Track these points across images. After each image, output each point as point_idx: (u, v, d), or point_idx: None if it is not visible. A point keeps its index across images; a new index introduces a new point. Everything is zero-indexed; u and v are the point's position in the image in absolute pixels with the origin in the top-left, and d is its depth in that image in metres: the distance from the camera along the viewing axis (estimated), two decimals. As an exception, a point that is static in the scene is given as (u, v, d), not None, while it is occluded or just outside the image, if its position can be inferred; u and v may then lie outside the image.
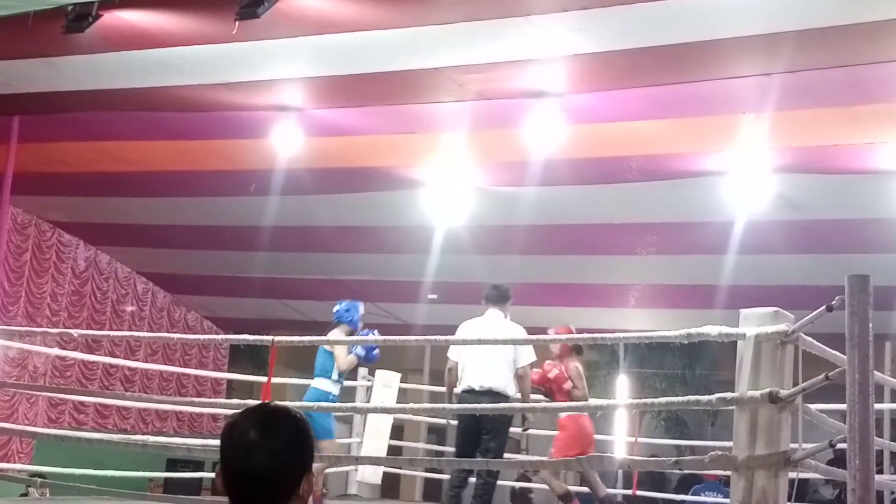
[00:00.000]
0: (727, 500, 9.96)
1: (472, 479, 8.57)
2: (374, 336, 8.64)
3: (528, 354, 8.37)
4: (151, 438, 9.75)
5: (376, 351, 9.10)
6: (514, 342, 8.43)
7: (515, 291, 13.73)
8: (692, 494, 13.22)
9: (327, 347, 9.08)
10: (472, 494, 8.46)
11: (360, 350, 8.93)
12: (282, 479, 2.31)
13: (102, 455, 10.66)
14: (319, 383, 9.04)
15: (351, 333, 9.03)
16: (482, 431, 8.19)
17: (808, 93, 8.96)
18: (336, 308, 9.16)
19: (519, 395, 8.38)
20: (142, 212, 14.17)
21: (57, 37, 8.57)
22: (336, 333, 9.07)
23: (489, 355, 8.22)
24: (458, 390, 8.32)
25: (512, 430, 9.02)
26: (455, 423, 8.69)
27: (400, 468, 13.99)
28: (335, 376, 9.03)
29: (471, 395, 8.19)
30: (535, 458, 8.43)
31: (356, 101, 10.20)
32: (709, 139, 10.26)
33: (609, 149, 10.63)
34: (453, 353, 8.45)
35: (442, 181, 11.85)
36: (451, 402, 8.36)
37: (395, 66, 9.17)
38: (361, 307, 9.17)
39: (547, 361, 9.36)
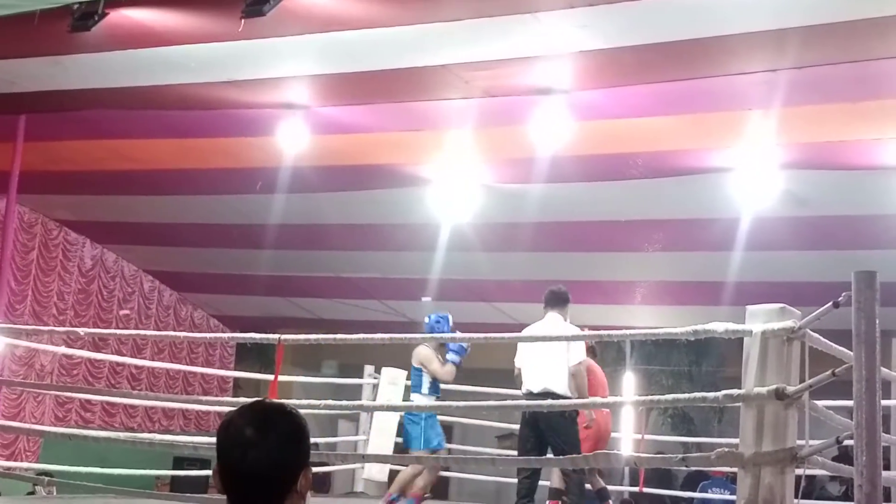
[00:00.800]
0: (734, 497, 9.96)
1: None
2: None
3: (579, 352, 8.38)
4: (158, 437, 9.75)
5: (467, 348, 9.13)
6: (518, 339, 8.43)
7: (520, 288, 13.74)
8: (699, 491, 13.18)
9: (415, 363, 9.12)
10: (567, 492, 8.56)
11: (454, 357, 9.01)
12: (279, 476, 2.30)
13: (109, 453, 10.67)
14: (413, 398, 9.18)
15: (442, 347, 9.03)
16: (544, 434, 8.19)
17: (816, 88, 8.94)
18: (426, 321, 9.22)
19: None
20: (148, 210, 14.19)
21: (63, 35, 8.58)
22: (423, 348, 9.08)
23: (546, 357, 8.26)
24: (522, 392, 8.38)
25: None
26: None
27: (406, 466, 13.97)
28: (425, 390, 9.17)
29: (530, 397, 8.24)
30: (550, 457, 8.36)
31: (362, 98, 10.20)
32: (715, 135, 10.25)
33: (615, 145, 10.62)
34: (517, 360, 8.54)
35: (448, 178, 11.85)
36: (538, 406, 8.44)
37: (401, 64, 9.17)
38: (451, 319, 9.19)
39: None
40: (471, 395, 12.09)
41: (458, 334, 8.97)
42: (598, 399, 8.26)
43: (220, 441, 2.33)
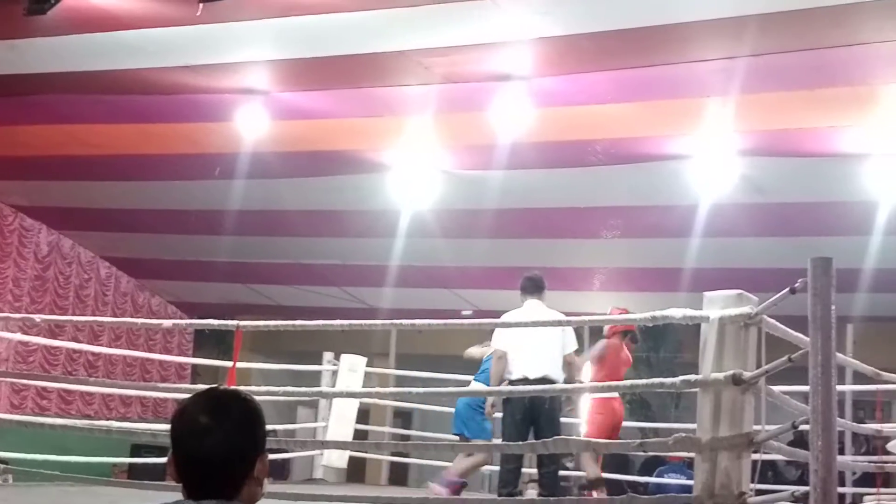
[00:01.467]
0: (691, 482, 10.03)
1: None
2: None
3: (573, 341, 8.38)
4: (115, 424, 9.69)
5: None
6: (491, 323, 8.42)
7: (480, 275, 13.77)
8: (656, 476, 13.27)
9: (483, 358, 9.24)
10: (540, 483, 8.47)
11: None
12: (235, 462, 2.28)
13: (66, 441, 10.58)
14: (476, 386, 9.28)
15: None
16: (540, 422, 8.15)
17: (773, 76, 9.00)
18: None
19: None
20: (106, 196, 14.07)
21: (19, 19, 8.47)
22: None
23: (541, 343, 8.20)
24: (512, 378, 8.26)
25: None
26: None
27: (366, 452, 13.99)
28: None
29: (525, 383, 8.17)
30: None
31: (322, 84, 10.16)
32: (674, 122, 10.29)
33: (575, 132, 10.65)
34: (501, 344, 8.40)
35: (408, 165, 11.84)
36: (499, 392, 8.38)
37: (361, 49, 9.14)
38: None
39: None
40: (430, 381, 12.11)
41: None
42: (562, 385, 8.24)
43: (174, 429, 2.31)
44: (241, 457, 2.29)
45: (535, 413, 8.11)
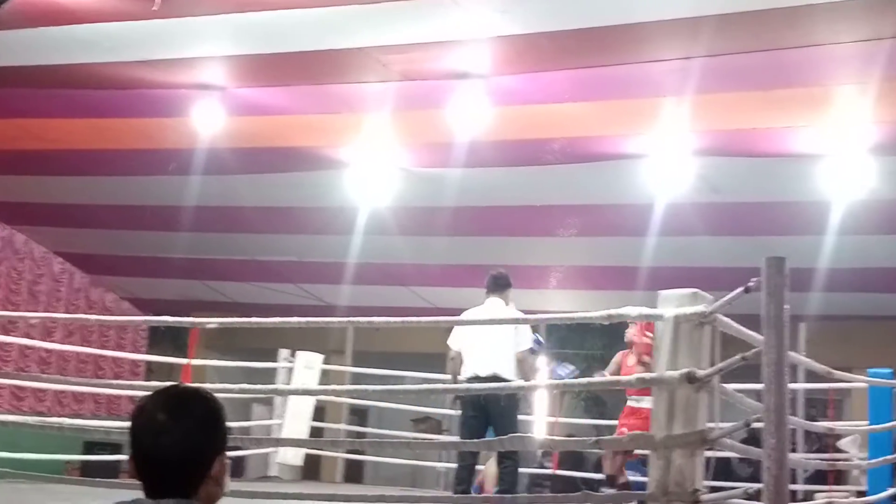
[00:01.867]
0: (645, 479, 10.09)
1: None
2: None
3: (526, 339, 8.34)
4: (68, 421, 9.59)
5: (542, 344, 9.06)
6: (457, 322, 8.40)
7: (438, 273, 13.76)
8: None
9: None
10: (499, 479, 8.48)
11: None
12: (193, 461, 2.25)
13: (18, 437, 10.47)
14: None
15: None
16: (492, 418, 8.14)
17: (729, 76, 9.07)
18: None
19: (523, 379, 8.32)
20: (59, 191, 13.93)
21: (-29, 11, 8.38)
22: None
23: (492, 341, 8.20)
24: (462, 377, 8.28)
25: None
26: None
27: (321, 450, 13.96)
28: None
29: (476, 381, 8.15)
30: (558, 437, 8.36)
31: (279, 80, 10.13)
32: (630, 122, 10.35)
33: (532, 131, 10.68)
34: (454, 343, 8.46)
35: (366, 162, 11.82)
36: (455, 390, 8.40)
37: (318, 46, 9.12)
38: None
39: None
40: (386, 378, 12.11)
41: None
42: (519, 382, 8.25)
43: (132, 427, 2.28)
44: (198, 456, 2.26)
45: (489, 411, 8.12)
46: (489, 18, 8.39)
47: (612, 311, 6.15)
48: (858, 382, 9.51)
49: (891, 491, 8.95)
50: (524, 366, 8.32)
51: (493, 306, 8.45)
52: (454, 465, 15.20)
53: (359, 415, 19.60)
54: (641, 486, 11.81)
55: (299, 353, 12.19)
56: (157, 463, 2.25)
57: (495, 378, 8.06)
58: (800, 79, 9.09)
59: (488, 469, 9.19)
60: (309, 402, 12.19)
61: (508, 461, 8.39)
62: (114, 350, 17.11)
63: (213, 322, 8.63)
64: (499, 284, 8.58)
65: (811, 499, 10.24)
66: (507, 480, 8.35)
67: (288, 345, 12.79)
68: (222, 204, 13.59)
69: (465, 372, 8.29)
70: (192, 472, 2.25)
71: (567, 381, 9.06)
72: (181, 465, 2.24)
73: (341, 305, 15.60)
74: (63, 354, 16.62)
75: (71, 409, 16.70)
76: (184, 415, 2.27)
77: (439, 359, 17.80)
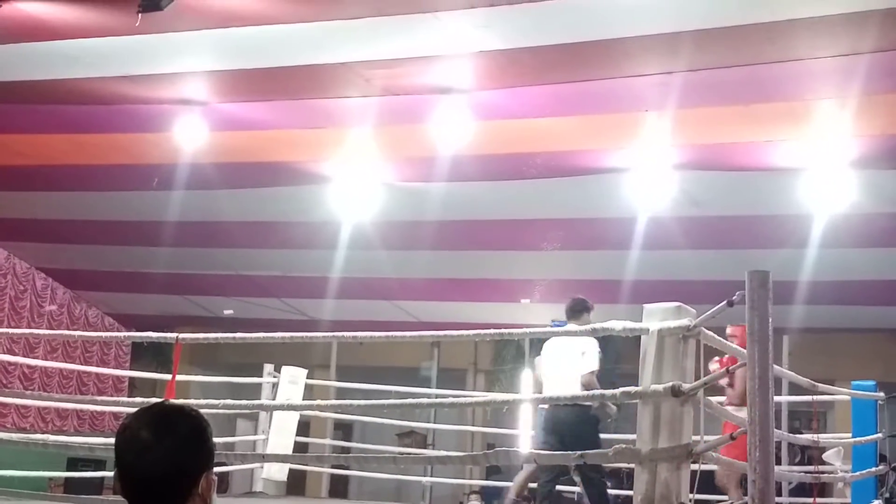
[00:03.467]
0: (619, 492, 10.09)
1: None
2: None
3: (591, 363, 8.28)
4: (52, 437, 9.56)
5: None
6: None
7: (421, 287, 13.73)
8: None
9: None
10: (533, 497, 8.58)
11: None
12: (178, 479, 2.24)
13: (1, 454, 10.42)
14: None
15: None
16: (567, 443, 8.03)
17: (709, 91, 9.11)
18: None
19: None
20: (42, 206, 13.89)
21: (-47, 27, 8.36)
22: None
23: (564, 370, 8.25)
24: (542, 407, 8.36)
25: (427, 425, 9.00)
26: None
27: (306, 465, 13.93)
28: None
29: (553, 409, 8.19)
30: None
31: (262, 95, 10.12)
32: (612, 136, 10.38)
33: (514, 145, 10.70)
34: (537, 373, 8.61)
35: (349, 176, 11.81)
36: (537, 418, 8.52)
37: (301, 61, 9.12)
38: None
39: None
40: (371, 393, 12.09)
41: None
42: (500, 396, 8.27)
43: (117, 444, 2.27)
44: (182, 474, 2.25)
45: (564, 438, 8.09)
46: (471, 33, 8.42)
47: (597, 325, 6.18)
48: (842, 395, 9.54)
49: (874, 503, 8.99)
50: (589, 389, 8.23)
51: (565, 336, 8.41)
52: (438, 480, 15.24)
53: (343, 429, 19.57)
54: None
55: (284, 368, 12.15)
56: (142, 480, 2.24)
57: (569, 405, 8.05)
58: (780, 93, 9.14)
59: (518, 477, 9.18)
60: (293, 417, 12.15)
61: (544, 480, 8.39)
62: (97, 366, 17.08)
63: (196, 337, 8.62)
64: (574, 311, 8.54)
65: (795, 511, 10.25)
66: (541, 498, 8.37)
67: (272, 359, 12.75)
68: (205, 219, 13.57)
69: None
70: (177, 489, 2.24)
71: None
72: (166, 482, 2.23)
73: (325, 320, 15.60)
74: (46, 370, 16.58)
75: (54, 426, 16.64)
76: (168, 432, 2.26)
77: (424, 372, 17.87)
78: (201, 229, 13.89)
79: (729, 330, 8.66)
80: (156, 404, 2.37)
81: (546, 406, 8.36)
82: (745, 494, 8.90)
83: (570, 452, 7.32)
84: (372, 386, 12.21)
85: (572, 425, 8.13)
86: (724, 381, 8.80)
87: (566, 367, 8.26)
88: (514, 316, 14.62)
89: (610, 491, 12.37)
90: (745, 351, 4.87)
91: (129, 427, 2.28)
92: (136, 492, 2.25)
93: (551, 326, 8.99)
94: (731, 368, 5.67)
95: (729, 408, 8.61)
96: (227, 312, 15.16)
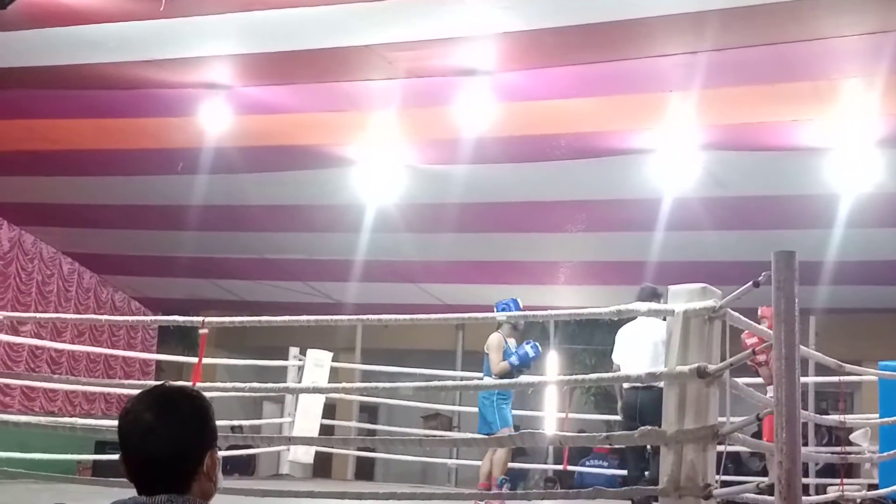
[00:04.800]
0: (609, 472, 10.01)
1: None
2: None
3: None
4: (80, 421, 9.63)
5: (532, 358, 9.18)
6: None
7: (446, 270, 13.72)
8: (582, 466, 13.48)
9: (485, 348, 9.23)
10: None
11: (513, 359, 9.06)
12: (182, 458, 2.28)
13: (29, 438, 10.51)
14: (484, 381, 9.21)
15: (513, 330, 9.10)
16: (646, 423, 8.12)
17: (734, 71, 9.06)
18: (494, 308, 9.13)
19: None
20: (67, 191, 13.96)
21: (-22, 14, 8.39)
22: (497, 336, 9.14)
23: (641, 352, 8.21)
24: (625, 386, 8.37)
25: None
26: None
27: (332, 448, 13.98)
28: (491, 375, 9.17)
29: (632, 390, 8.21)
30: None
31: (286, 78, 10.13)
32: (637, 117, 10.34)
33: (538, 127, 10.68)
34: (616, 357, 8.55)
35: (373, 159, 11.82)
36: (619, 399, 8.52)
37: (324, 44, 9.12)
38: (520, 304, 9.15)
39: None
40: (396, 375, 12.12)
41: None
42: (526, 378, 8.28)
43: (120, 428, 2.31)
44: (187, 454, 2.29)
45: (642, 413, 8.09)
46: (494, 15, 8.40)
47: (622, 307, 6.18)
48: (869, 375, 9.50)
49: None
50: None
51: (645, 321, 8.40)
52: (464, 462, 15.27)
53: (369, 412, 19.64)
54: (606, 478, 11.91)
55: (309, 351, 12.20)
56: (146, 462, 2.28)
57: (649, 387, 8.04)
58: (806, 72, 9.08)
59: (495, 456, 9.19)
60: (319, 400, 12.21)
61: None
62: (124, 350, 17.16)
63: (222, 321, 8.66)
64: (642, 299, 8.53)
65: (823, 492, 10.22)
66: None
67: (297, 343, 12.82)
68: (230, 203, 13.62)
69: (627, 383, 8.33)
70: (182, 468, 2.28)
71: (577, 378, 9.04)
72: (171, 462, 2.27)
73: (350, 303, 15.62)
74: (73, 354, 16.67)
75: (82, 409, 16.76)
76: (170, 413, 2.30)
77: (448, 355, 17.88)
78: (226, 213, 13.94)
79: (760, 311, 8.64)
80: (157, 387, 2.41)
81: (626, 390, 8.33)
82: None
83: (596, 434, 7.34)
84: (397, 368, 12.23)
85: (654, 407, 8.12)
86: (760, 359, 8.77)
87: (648, 350, 8.20)
88: (541, 298, 14.61)
89: (604, 471, 12.51)
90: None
91: (132, 410, 2.32)
92: (142, 474, 2.29)
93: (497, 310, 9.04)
94: (757, 349, 5.64)
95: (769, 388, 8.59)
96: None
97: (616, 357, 8.56)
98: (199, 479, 2.29)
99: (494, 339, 9.21)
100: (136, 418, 2.29)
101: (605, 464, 13.12)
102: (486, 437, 8.64)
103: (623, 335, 8.56)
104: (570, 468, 12.36)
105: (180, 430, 2.28)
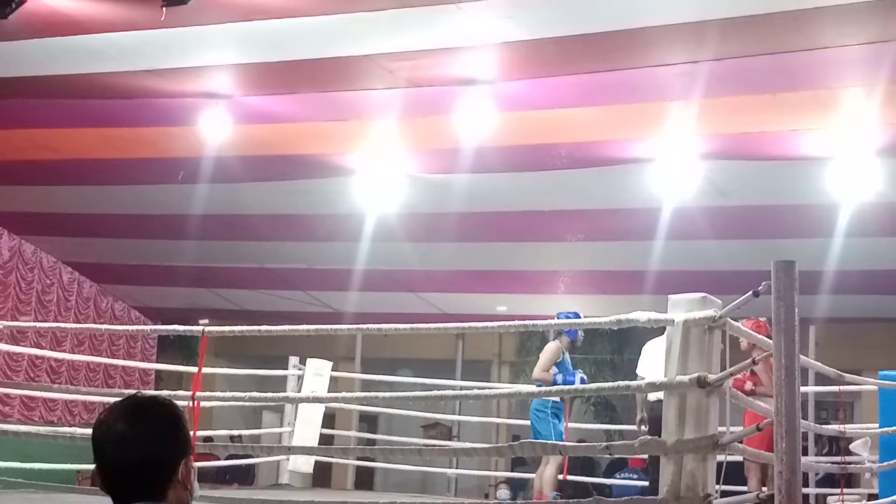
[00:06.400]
0: (644, 483, 10.02)
1: None
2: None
3: None
4: (79, 430, 9.59)
5: (575, 381, 9.12)
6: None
7: (446, 279, 13.74)
8: (614, 478, 13.44)
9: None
10: None
11: (559, 378, 9.06)
12: (156, 467, 2.29)
13: (29, 447, 10.50)
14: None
15: (571, 345, 9.03)
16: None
17: (735, 80, 9.06)
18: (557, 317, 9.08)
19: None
20: (67, 200, 13.96)
21: (-21, 23, 8.40)
22: (556, 345, 9.03)
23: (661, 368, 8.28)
24: (651, 398, 8.38)
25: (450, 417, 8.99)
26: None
27: (332, 457, 13.96)
28: (535, 383, 9.17)
29: (660, 403, 8.23)
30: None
31: (286, 88, 10.14)
32: (637, 126, 10.34)
33: (539, 136, 10.68)
34: (641, 370, 8.59)
35: (373, 168, 11.82)
36: (640, 412, 8.56)
37: (325, 53, 9.13)
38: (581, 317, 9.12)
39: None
40: (396, 385, 12.12)
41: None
42: (525, 387, 8.27)
43: (94, 438, 2.32)
44: (161, 462, 2.29)
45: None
46: (494, 24, 8.40)
47: (622, 317, 6.16)
48: (869, 385, 9.48)
49: (902, 493, 8.92)
50: None
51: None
52: (464, 471, 15.23)
53: (368, 421, 19.61)
54: (638, 491, 11.88)
55: (309, 361, 12.19)
56: (120, 470, 2.28)
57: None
58: (806, 82, 9.08)
59: (545, 473, 9.14)
60: (319, 410, 12.19)
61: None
62: (123, 359, 17.16)
63: (222, 330, 8.65)
64: None
65: (823, 502, 10.21)
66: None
67: (297, 352, 12.80)
68: (230, 212, 13.61)
69: (653, 396, 8.33)
70: (156, 477, 2.28)
71: (578, 386, 9.03)
72: (144, 470, 2.28)
73: (350, 312, 15.63)
74: (73, 364, 16.67)
75: (81, 419, 16.73)
76: (143, 421, 2.30)
77: (448, 364, 17.88)
78: (226, 222, 13.94)
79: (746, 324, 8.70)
80: (130, 396, 2.42)
81: (653, 402, 8.33)
82: (765, 486, 8.91)
83: (595, 444, 7.33)
84: (397, 378, 12.24)
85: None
86: (747, 387, 8.76)
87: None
88: (541, 307, 14.60)
89: (636, 482, 12.48)
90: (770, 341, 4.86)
91: (106, 420, 2.32)
92: (117, 482, 2.29)
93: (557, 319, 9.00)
94: (756, 358, 5.64)
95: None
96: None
97: (640, 370, 8.56)
98: (174, 488, 2.30)
99: (552, 347, 9.13)
100: (109, 427, 2.30)
101: (636, 476, 13.06)
102: (486, 447, 8.63)
103: (648, 349, 8.58)
104: (605, 481, 12.33)
105: (153, 438, 2.29)
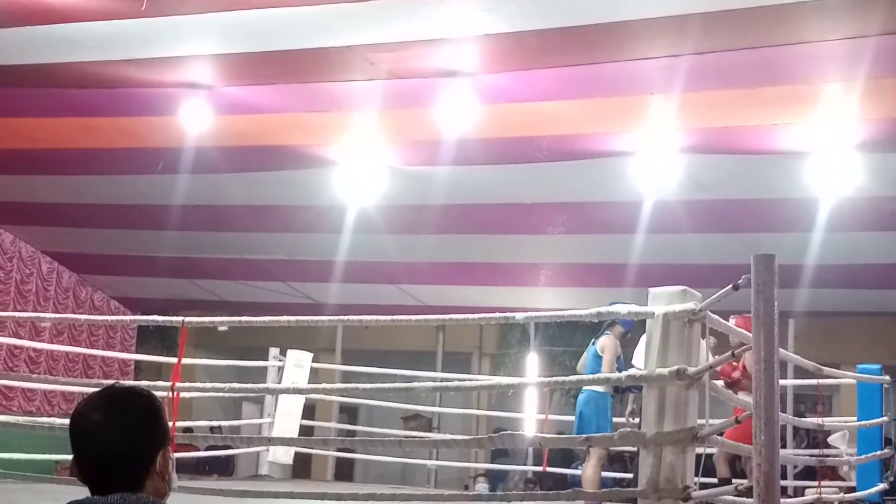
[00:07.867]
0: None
1: None
2: None
3: None
4: (58, 421, 9.57)
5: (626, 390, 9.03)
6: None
7: (427, 271, 13.74)
8: (575, 468, 13.46)
9: (598, 351, 9.01)
10: None
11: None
12: (133, 457, 2.28)
13: (7, 438, 10.46)
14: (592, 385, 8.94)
15: (624, 335, 8.99)
16: None
17: (716, 74, 9.09)
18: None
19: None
20: (47, 190, 13.90)
21: (-43, 11, 8.36)
22: (613, 340, 8.98)
23: None
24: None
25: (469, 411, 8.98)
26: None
27: (312, 448, 13.96)
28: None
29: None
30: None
31: (267, 78, 10.11)
32: (618, 120, 10.36)
33: (520, 129, 10.68)
34: (636, 360, 8.49)
35: (354, 160, 11.81)
36: (631, 404, 8.56)
37: (306, 44, 9.11)
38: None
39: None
40: (376, 376, 12.11)
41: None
42: (505, 379, 8.28)
43: (71, 429, 2.31)
44: (138, 452, 2.29)
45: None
46: (476, 17, 8.39)
47: (602, 309, 6.19)
48: (847, 378, 9.54)
49: (880, 486, 8.99)
50: None
51: None
52: (444, 463, 15.24)
53: (349, 413, 19.61)
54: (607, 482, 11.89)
55: (289, 352, 12.18)
56: (98, 461, 2.28)
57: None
58: (786, 76, 9.11)
59: (585, 472, 9.02)
60: (299, 401, 12.19)
61: None
62: (103, 349, 17.10)
63: (202, 321, 8.63)
64: None
65: (801, 494, 10.25)
66: None
67: (277, 343, 12.79)
68: (210, 202, 13.58)
69: None
70: (133, 467, 2.28)
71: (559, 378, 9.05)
72: (122, 461, 2.27)
73: (330, 303, 15.60)
74: (52, 354, 16.60)
75: (60, 409, 16.66)
76: (120, 412, 2.30)
77: (429, 356, 17.88)
78: (207, 213, 13.90)
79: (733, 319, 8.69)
80: (108, 387, 2.40)
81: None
82: (733, 474, 8.96)
83: (576, 436, 7.35)
84: (377, 370, 12.22)
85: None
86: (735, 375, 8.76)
87: None
88: (520, 300, 14.62)
89: (616, 475, 12.51)
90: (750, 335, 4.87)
91: (83, 411, 2.31)
92: (94, 473, 2.28)
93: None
94: (736, 352, 5.66)
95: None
96: (222, 329, 15.03)
97: (636, 360, 8.56)
98: (152, 478, 2.29)
99: (610, 342, 9.02)
100: (86, 418, 2.29)
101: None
102: (466, 438, 8.62)
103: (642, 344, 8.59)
104: (550, 469, 12.37)
105: (130, 428, 2.28)
